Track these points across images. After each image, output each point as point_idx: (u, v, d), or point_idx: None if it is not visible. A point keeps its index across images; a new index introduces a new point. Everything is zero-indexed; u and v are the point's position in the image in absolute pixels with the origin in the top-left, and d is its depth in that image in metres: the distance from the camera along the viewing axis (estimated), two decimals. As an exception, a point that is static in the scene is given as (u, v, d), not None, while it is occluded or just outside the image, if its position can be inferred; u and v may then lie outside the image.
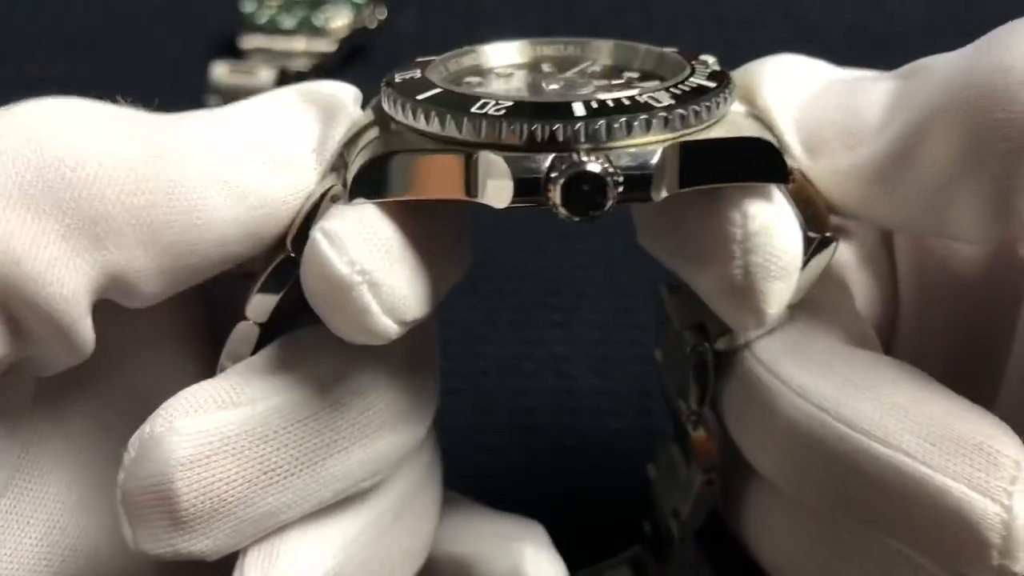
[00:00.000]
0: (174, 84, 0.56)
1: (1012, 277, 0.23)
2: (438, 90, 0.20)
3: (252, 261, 0.21)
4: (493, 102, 0.19)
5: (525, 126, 0.18)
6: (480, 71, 0.22)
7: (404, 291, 0.19)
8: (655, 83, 0.20)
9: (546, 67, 0.22)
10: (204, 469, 0.19)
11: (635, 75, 0.22)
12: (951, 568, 0.19)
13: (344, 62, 0.56)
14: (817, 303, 0.22)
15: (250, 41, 0.56)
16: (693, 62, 0.21)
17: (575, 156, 0.18)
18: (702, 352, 0.23)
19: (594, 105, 0.18)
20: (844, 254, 0.25)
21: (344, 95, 0.22)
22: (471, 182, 0.18)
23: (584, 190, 0.18)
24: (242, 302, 0.21)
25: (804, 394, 0.20)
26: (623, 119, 0.18)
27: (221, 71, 0.53)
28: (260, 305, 0.20)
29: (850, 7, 0.62)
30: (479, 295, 0.42)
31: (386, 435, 0.21)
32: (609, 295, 0.42)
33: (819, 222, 0.21)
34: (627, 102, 0.18)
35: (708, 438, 0.24)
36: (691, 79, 0.20)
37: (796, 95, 0.22)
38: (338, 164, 0.21)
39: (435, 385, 0.23)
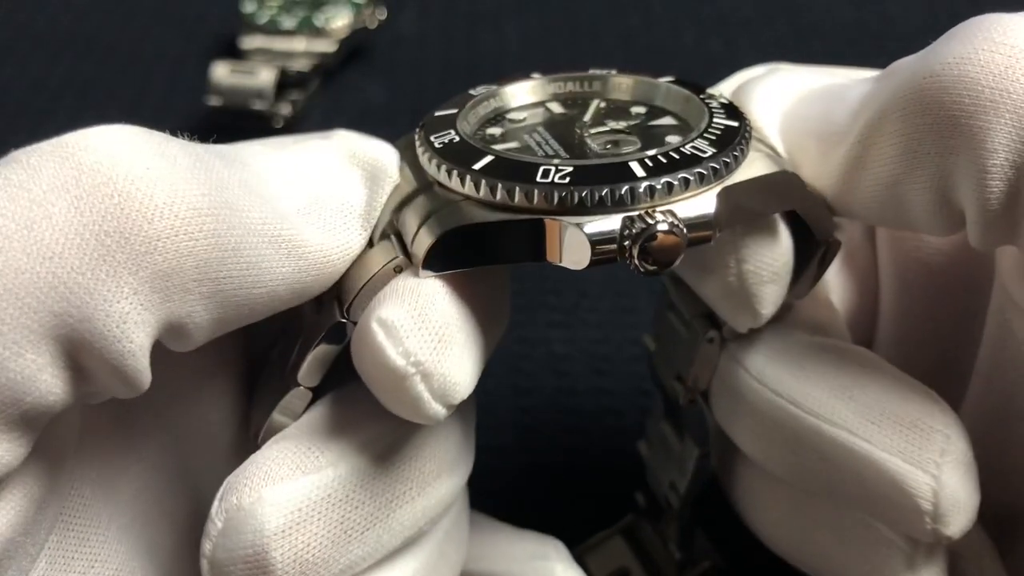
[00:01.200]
0: (175, 84, 0.56)
1: (976, 265, 0.24)
2: (490, 158, 0.20)
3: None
4: (554, 169, 0.19)
5: (595, 192, 0.19)
6: (505, 116, 0.23)
7: (455, 377, 0.19)
8: (690, 133, 0.21)
9: (555, 107, 0.23)
10: (295, 536, 0.19)
11: (643, 110, 0.23)
12: (898, 530, 0.22)
13: (344, 62, 0.56)
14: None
15: (250, 41, 0.56)
16: (703, 98, 0.22)
17: (644, 215, 0.19)
18: (712, 338, 0.24)
19: (649, 164, 0.19)
20: None
21: (388, 160, 0.22)
22: (550, 247, 0.19)
23: (659, 249, 0.19)
24: (282, 357, 0.21)
25: (762, 380, 0.23)
26: (680, 175, 0.19)
27: (221, 71, 0.53)
28: (312, 370, 0.21)
29: (850, 7, 0.62)
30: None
31: (445, 480, 0.22)
32: (609, 295, 0.42)
33: (824, 230, 0.22)
34: (677, 156, 0.20)
35: (703, 416, 0.26)
36: (715, 120, 0.21)
37: (783, 108, 0.23)
38: (388, 231, 0.21)
39: (474, 418, 0.24)
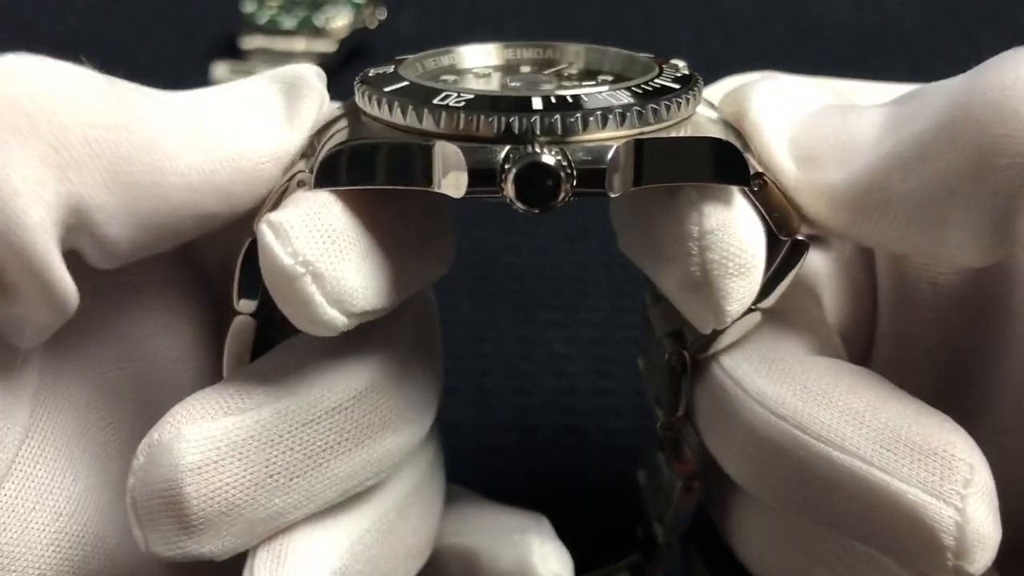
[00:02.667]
0: (175, 84, 0.56)
1: (996, 288, 0.23)
2: (406, 83, 0.20)
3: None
4: (455, 95, 0.19)
5: (482, 117, 0.18)
6: (456, 71, 0.22)
7: (352, 282, 0.19)
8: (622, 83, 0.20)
9: (525, 69, 0.23)
10: (212, 474, 0.19)
11: (608, 78, 0.22)
12: (913, 568, 0.20)
13: (344, 62, 0.57)
14: (783, 310, 0.22)
15: (251, 41, 0.56)
16: (663, 65, 0.21)
17: (530, 148, 0.18)
18: (675, 360, 0.23)
19: (553, 100, 0.19)
20: (819, 263, 0.25)
21: (307, 73, 0.22)
22: (429, 172, 0.19)
23: (538, 182, 0.18)
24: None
25: (763, 401, 0.21)
26: (579, 114, 0.18)
27: (222, 71, 0.53)
28: (241, 292, 0.21)
29: (850, 7, 0.62)
30: (480, 295, 0.42)
31: (389, 435, 0.21)
32: (609, 295, 0.42)
33: (787, 226, 0.21)
34: (586, 98, 0.19)
35: (685, 445, 0.24)
36: (656, 80, 0.20)
37: (789, 112, 0.22)
38: (307, 151, 0.21)
39: (438, 383, 0.24)
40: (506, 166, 0.18)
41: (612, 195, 0.19)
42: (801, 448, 0.20)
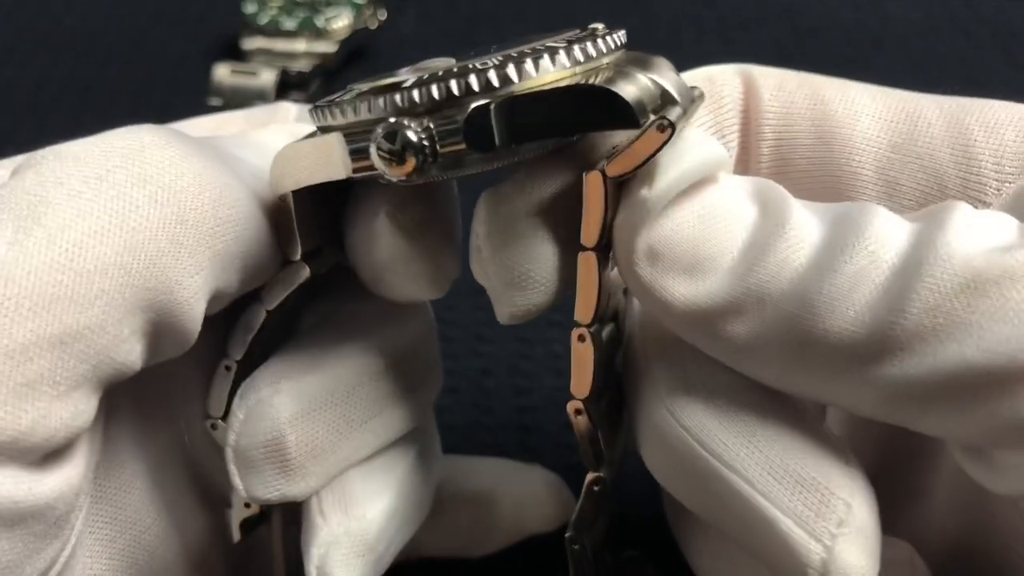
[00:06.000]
0: (176, 85, 0.56)
1: None
2: (343, 93, 0.21)
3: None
4: (356, 90, 0.20)
5: (359, 103, 0.19)
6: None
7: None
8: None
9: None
10: (307, 423, 0.23)
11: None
12: None
13: (345, 63, 0.57)
14: None
15: (252, 42, 0.56)
16: (580, 32, 0.21)
17: (393, 121, 0.19)
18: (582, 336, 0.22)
19: (424, 76, 0.19)
20: None
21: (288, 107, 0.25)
22: (332, 162, 0.20)
23: (406, 150, 0.19)
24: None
25: (673, 412, 0.21)
26: (433, 85, 0.19)
27: (223, 72, 0.53)
28: (276, 298, 0.23)
29: (850, 7, 0.62)
30: (481, 295, 0.42)
31: (426, 385, 0.25)
32: (609, 295, 0.42)
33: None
34: (456, 69, 0.19)
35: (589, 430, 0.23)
36: (546, 42, 0.20)
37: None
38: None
39: (439, 355, 0.27)
40: (377, 141, 0.19)
41: (485, 153, 0.19)
42: (698, 461, 0.21)
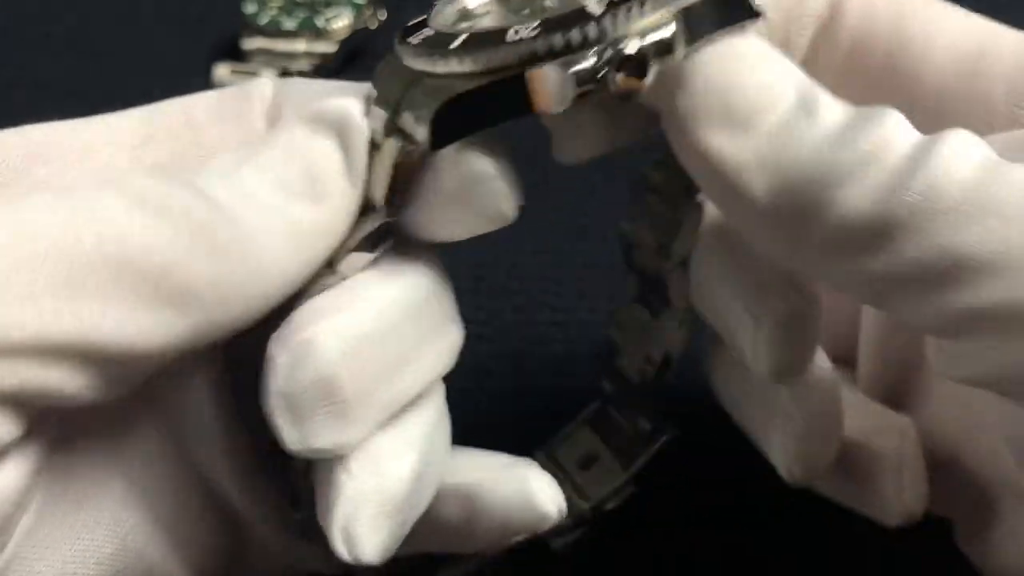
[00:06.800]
0: (176, 85, 0.56)
1: None
2: (464, 36, 0.21)
3: None
4: (523, 28, 0.21)
5: (560, 36, 0.20)
6: (468, 16, 0.24)
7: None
8: None
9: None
10: (356, 360, 0.21)
11: None
12: None
13: (345, 63, 0.57)
14: None
15: (252, 42, 0.56)
16: None
17: (612, 45, 0.20)
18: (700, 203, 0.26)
19: (607, 3, 0.21)
20: None
21: (350, 110, 0.22)
22: (536, 97, 0.20)
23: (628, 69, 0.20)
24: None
25: None
26: (632, 5, 0.20)
27: (223, 72, 0.53)
28: (355, 262, 0.23)
29: (850, 8, 0.62)
30: (481, 294, 0.42)
31: (453, 329, 0.24)
32: (609, 295, 0.42)
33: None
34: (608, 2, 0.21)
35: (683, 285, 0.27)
36: None
37: None
38: (389, 129, 0.22)
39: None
40: (598, 64, 0.20)
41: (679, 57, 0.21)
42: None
